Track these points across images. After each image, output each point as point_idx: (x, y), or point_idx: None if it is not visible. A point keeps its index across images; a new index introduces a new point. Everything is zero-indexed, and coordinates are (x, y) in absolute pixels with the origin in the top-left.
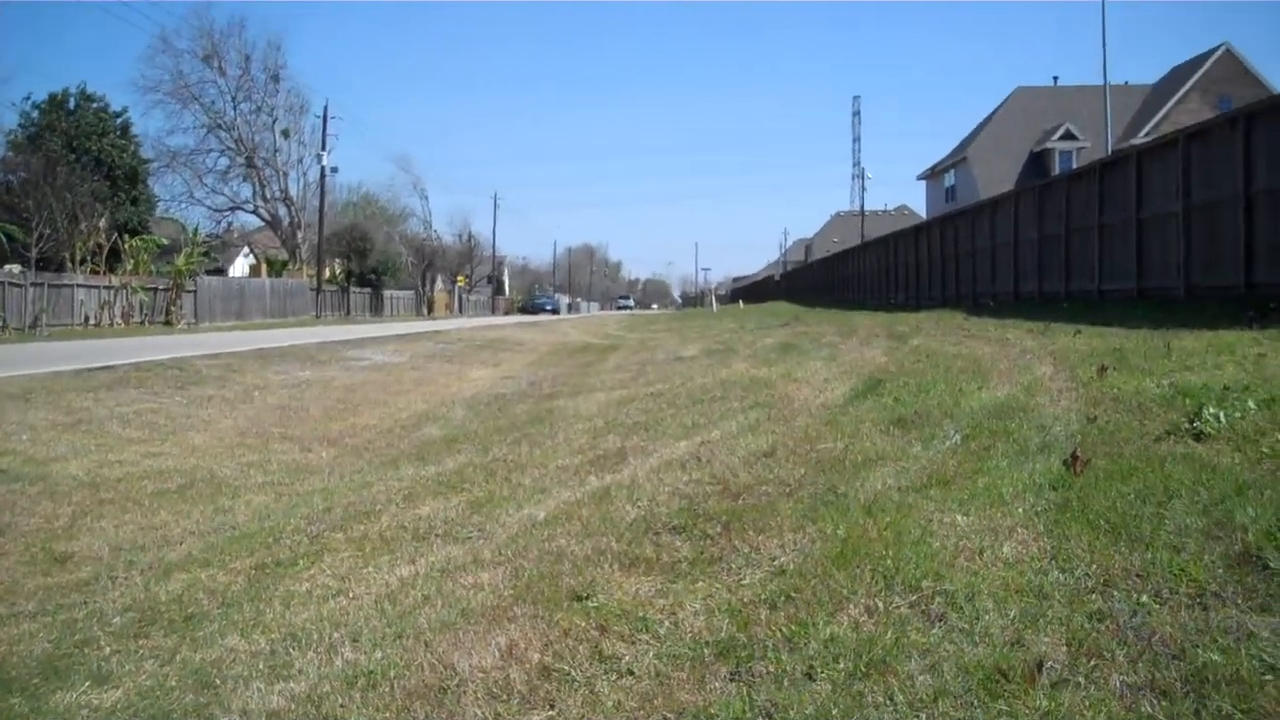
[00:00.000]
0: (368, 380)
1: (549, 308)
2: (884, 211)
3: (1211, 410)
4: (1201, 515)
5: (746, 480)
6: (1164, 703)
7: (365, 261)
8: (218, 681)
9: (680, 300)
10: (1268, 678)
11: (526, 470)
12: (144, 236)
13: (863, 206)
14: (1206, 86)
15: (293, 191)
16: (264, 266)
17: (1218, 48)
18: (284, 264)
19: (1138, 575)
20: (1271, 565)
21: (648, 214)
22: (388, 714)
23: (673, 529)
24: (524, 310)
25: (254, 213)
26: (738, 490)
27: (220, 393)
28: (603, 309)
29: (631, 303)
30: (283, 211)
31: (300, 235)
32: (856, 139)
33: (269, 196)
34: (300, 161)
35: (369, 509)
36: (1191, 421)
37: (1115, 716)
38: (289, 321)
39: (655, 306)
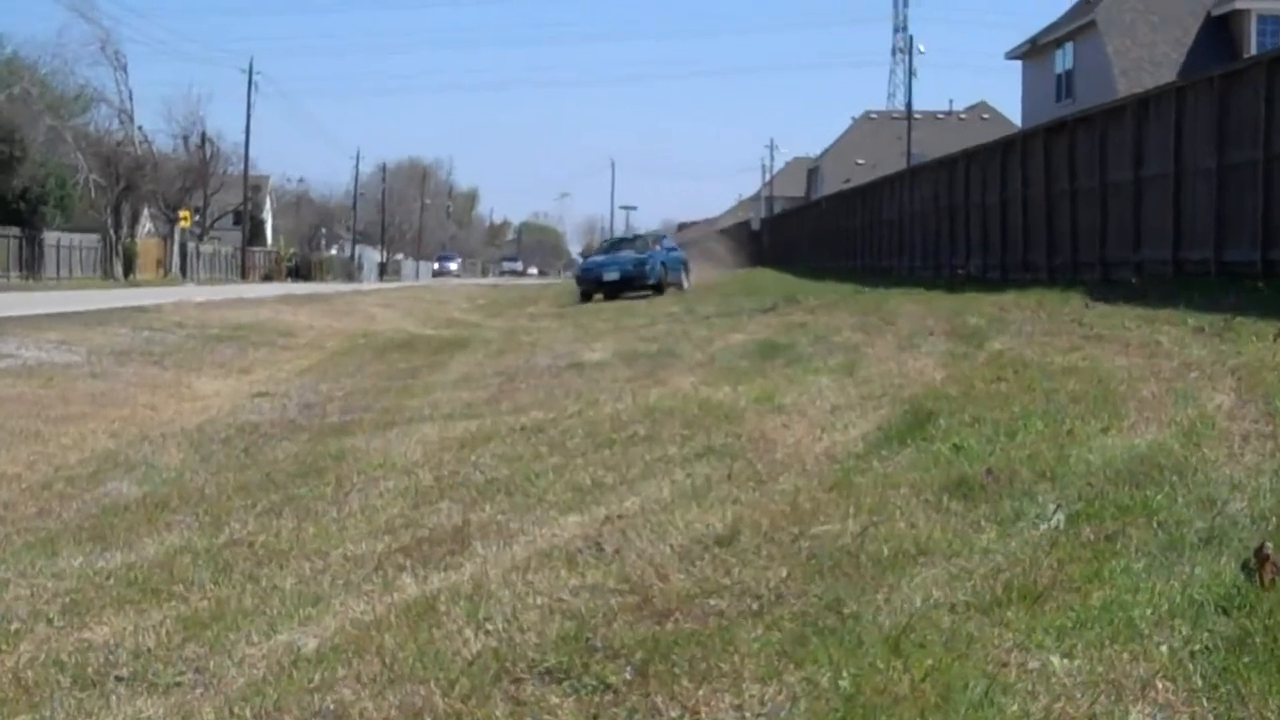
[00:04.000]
0: (8, 394)
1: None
2: (948, 114)
3: None
4: None
5: (683, 587)
6: None
7: (10, 179)
8: None
9: (583, 260)
10: None
11: (289, 562)
12: None
13: (909, 103)
14: None
15: None
16: None
17: None
18: None
19: None
20: None
21: (523, 111)
22: None
23: (547, 673)
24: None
25: None
26: (667, 605)
27: None
28: (438, 273)
29: (519, 266)
30: None
31: None
32: None
33: None
34: None
35: None
36: None
37: None
38: None
39: (535, 271)
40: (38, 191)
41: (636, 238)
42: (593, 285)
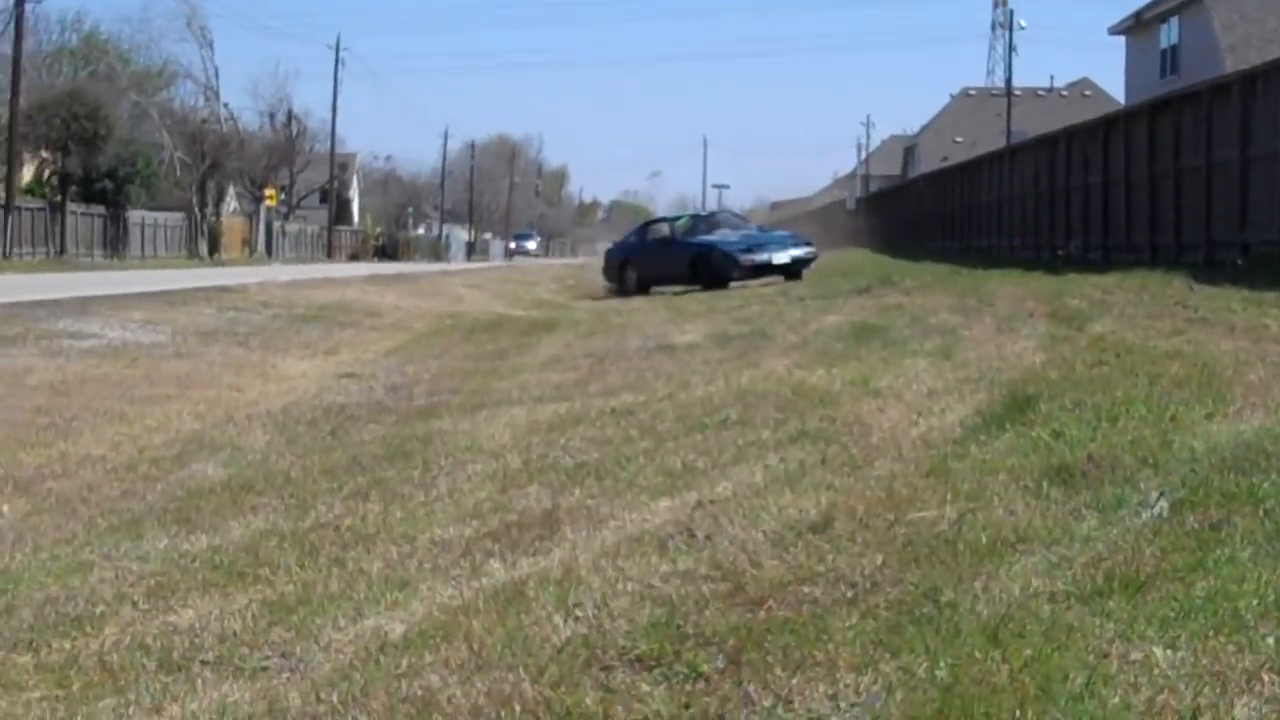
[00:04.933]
0: (93, 374)
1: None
2: (1049, 91)
3: None
4: None
5: (776, 574)
6: None
7: (96, 157)
8: None
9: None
10: None
11: (376, 546)
12: None
13: (1009, 80)
14: None
15: None
16: None
17: None
18: None
19: None
20: None
21: (615, 88)
22: None
23: (637, 661)
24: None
25: None
26: (759, 592)
27: None
28: (514, 252)
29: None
30: None
31: None
32: None
33: None
34: None
35: (83, 612)
36: None
37: None
38: None
39: None
40: (123, 170)
41: (696, 216)
42: (748, 271)
